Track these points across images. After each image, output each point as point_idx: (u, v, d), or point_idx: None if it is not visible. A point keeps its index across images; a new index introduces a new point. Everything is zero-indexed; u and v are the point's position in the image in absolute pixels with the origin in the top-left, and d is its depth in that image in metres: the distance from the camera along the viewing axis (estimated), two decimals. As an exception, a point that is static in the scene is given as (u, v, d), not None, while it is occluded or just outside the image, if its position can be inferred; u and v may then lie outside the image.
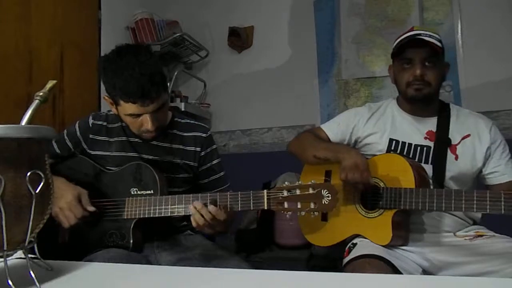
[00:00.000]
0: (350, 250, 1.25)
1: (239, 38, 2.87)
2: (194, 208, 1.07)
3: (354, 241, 1.28)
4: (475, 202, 1.09)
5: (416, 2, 2.48)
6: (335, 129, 1.49)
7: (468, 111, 1.44)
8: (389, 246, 1.22)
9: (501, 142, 1.35)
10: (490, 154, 1.33)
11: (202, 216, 1.06)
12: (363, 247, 1.22)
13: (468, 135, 1.34)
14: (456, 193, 1.13)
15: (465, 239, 1.27)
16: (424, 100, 1.35)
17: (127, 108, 1.17)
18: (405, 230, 1.27)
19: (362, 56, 2.62)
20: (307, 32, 2.75)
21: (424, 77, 1.30)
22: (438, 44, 1.30)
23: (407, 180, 1.22)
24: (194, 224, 1.08)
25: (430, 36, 1.30)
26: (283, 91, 2.79)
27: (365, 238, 1.27)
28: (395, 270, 1.11)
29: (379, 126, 1.42)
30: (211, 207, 1.05)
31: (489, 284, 0.73)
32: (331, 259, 1.48)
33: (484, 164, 1.33)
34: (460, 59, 2.37)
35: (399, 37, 1.39)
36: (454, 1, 2.42)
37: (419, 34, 1.31)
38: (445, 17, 2.44)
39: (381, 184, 1.27)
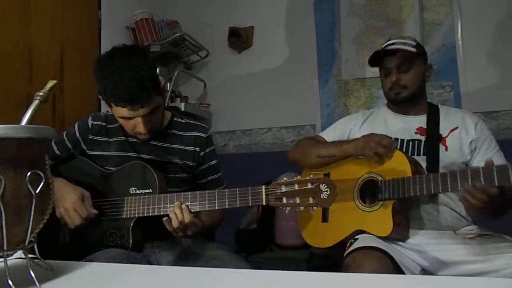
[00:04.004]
0: (351, 244, 1.26)
1: (239, 38, 2.87)
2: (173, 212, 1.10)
3: (356, 236, 1.30)
4: (469, 178, 1.11)
5: (416, 2, 2.48)
6: (332, 134, 1.59)
7: (456, 109, 1.55)
8: (389, 239, 1.24)
9: (486, 138, 1.39)
10: (475, 147, 1.38)
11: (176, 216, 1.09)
12: (364, 240, 1.24)
13: (456, 128, 1.41)
14: (451, 174, 1.16)
15: (465, 238, 1.27)
16: (405, 101, 1.47)
17: (119, 111, 1.18)
18: (405, 221, 1.30)
19: (362, 56, 2.61)
20: (307, 32, 2.75)
21: (400, 82, 1.44)
22: (411, 50, 1.42)
23: (405, 172, 1.26)
24: (170, 226, 1.11)
25: (404, 43, 1.43)
26: (283, 91, 2.79)
27: (367, 234, 1.28)
28: (394, 264, 1.13)
29: (373, 128, 1.50)
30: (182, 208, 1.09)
31: (489, 284, 0.73)
32: (331, 259, 1.49)
33: (470, 158, 1.38)
34: (460, 59, 2.37)
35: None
36: (454, 1, 2.41)
37: (393, 44, 1.44)
38: (445, 17, 2.44)
39: (379, 178, 1.30)
